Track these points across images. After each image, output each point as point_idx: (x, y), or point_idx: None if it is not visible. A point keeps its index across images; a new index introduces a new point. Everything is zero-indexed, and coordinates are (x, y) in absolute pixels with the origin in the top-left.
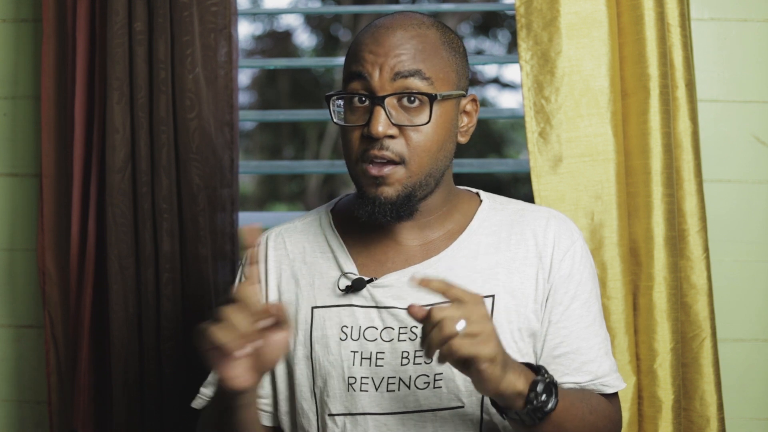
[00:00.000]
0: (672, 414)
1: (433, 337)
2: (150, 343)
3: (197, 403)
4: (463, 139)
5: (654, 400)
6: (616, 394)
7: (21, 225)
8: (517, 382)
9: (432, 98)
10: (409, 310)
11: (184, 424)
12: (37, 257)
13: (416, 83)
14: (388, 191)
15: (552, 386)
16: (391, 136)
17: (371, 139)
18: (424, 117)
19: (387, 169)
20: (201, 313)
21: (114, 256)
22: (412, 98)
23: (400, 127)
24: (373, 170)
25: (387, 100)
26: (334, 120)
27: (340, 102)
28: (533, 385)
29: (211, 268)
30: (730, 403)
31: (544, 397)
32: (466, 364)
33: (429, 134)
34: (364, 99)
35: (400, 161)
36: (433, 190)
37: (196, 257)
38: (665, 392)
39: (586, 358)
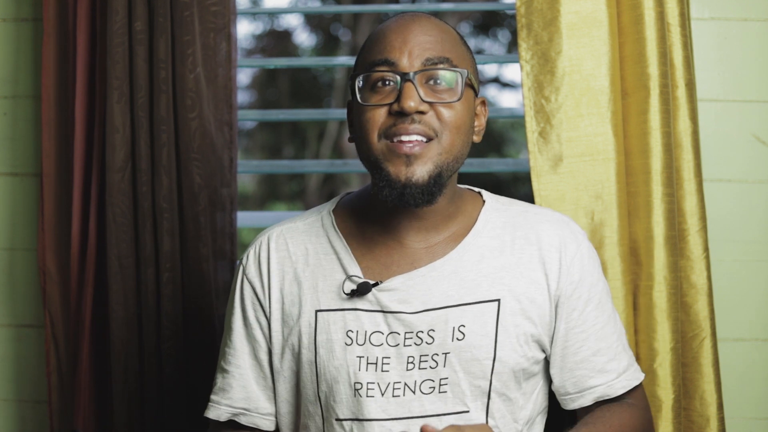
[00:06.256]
0: (672, 413)
1: None
2: (150, 342)
3: (209, 411)
4: (476, 138)
5: (654, 399)
6: (640, 385)
7: (21, 225)
8: None
9: (463, 75)
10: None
11: (184, 424)
12: (38, 257)
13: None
14: (420, 171)
15: None
16: (422, 113)
17: (401, 116)
18: (453, 95)
19: (418, 148)
20: (201, 312)
21: (114, 255)
22: (439, 80)
23: (430, 104)
24: (405, 147)
25: (417, 78)
26: (359, 100)
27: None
28: None
29: (212, 268)
30: (730, 402)
31: None
32: None
33: (459, 111)
34: (388, 81)
35: (433, 135)
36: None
37: (196, 257)
38: (665, 392)
39: (607, 357)
